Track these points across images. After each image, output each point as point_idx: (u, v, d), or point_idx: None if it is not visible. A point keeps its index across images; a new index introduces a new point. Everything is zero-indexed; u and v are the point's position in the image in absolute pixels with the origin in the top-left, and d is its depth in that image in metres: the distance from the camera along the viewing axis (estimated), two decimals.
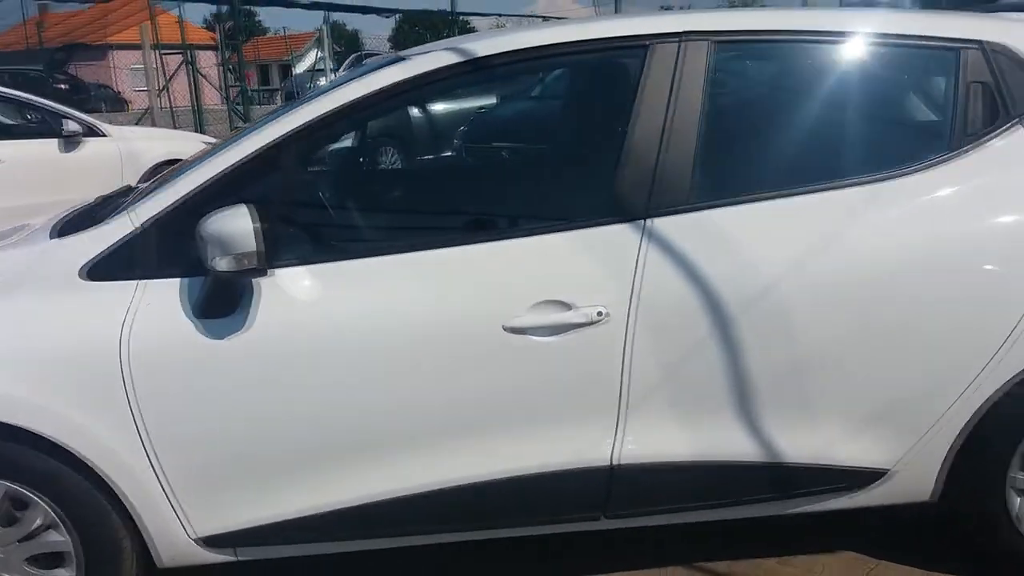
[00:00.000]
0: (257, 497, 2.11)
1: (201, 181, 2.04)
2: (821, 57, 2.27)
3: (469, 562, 2.51)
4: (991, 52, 2.19)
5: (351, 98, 2.07)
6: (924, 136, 2.23)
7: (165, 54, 17.53)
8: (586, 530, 2.26)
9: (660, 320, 2.07)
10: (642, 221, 2.08)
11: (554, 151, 2.98)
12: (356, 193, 2.56)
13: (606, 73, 2.39)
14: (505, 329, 2.02)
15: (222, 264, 1.86)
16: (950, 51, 2.20)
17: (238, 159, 2.04)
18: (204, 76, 17.51)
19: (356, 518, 2.12)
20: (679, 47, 2.14)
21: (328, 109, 2.06)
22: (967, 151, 2.15)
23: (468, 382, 2.07)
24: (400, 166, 2.62)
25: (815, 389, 2.15)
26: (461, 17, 26.29)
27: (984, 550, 2.34)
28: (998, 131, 2.15)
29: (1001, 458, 2.22)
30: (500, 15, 29.07)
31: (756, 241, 2.09)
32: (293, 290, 2.02)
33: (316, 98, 2.12)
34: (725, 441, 2.16)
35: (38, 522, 2.05)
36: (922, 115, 2.36)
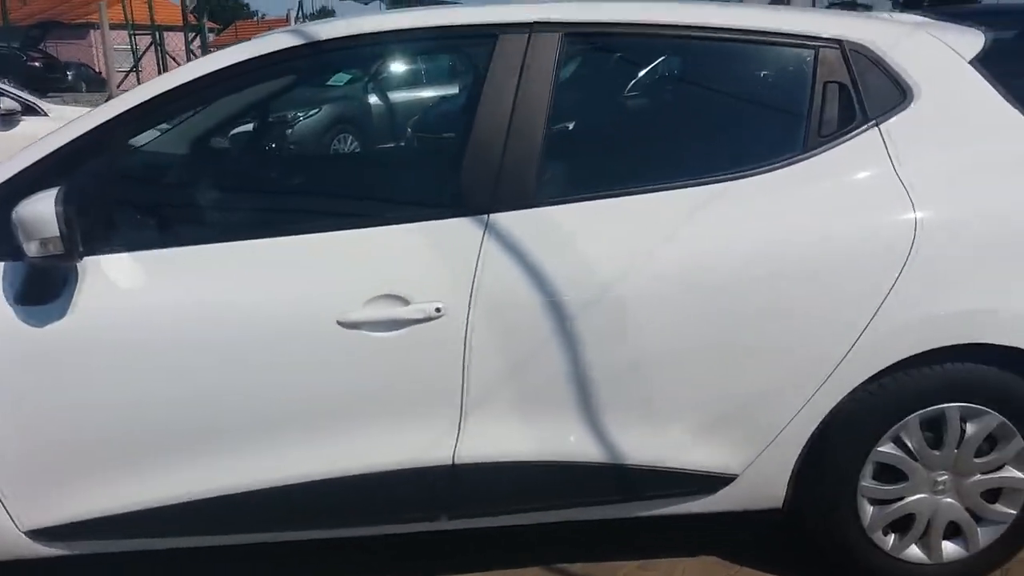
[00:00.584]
0: (82, 491, 2.05)
1: (24, 164, 1.97)
2: (677, 53, 2.23)
3: (321, 562, 2.47)
4: (850, 51, 2.14)
5: (183, 80, 2.01)
6: (778, 136, 2.17)
7: (138, 34, 17.30)
8: (436, 530, 2.22)
9: (500, 317, 2.02)
10: (485, 216, 2.03)
11: (400, 142, 2.93)
12: (188, 178, 2.50)
13: (452, 64, 2.35)
14: (339, 324, 1.97)
15: (31, 249, 1.80)
16: (808, 49, 2.15)
17: (64, 141, 1.97)
18: (173, 57, 17.32)
19: (184, 515, 2.06)
20: (528, 39, 2.08)
21: (158, 91, 2.00)
22: (818, 152, 2.10)
23: (299, 378, 2.01)
24: (238, 151, 2.56)
25: (658, 391, 2.11)
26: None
27: (836, 561, 2.32)
28: (852, 133, 2.11)
29: (851, 466, 2.19)
30: None
31: (598, 240, 2.05)
32: (116, 277, 1.96)
33: (151, 81, 2.06)
34: (569, 441, 2.12)
35: None
36: (778, 114, 2.31)
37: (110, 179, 2.07)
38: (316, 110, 3.78)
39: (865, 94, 2.13)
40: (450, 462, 2.09)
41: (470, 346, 2.02)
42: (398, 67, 3.26)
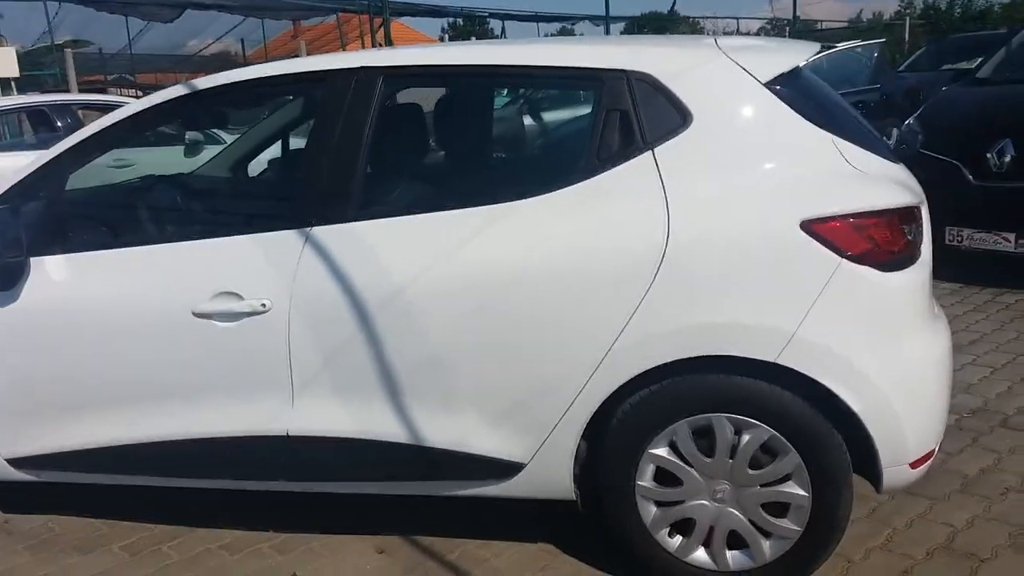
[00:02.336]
0: (38, 433, 2.74)
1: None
2: (479, 89, 2.51)
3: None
4: (634, 80, 2.32)
5: (94, 131, 2.65)
6: (566, 161, 2.40)
7: None
8: (284, 491, 2.68)
9: (313, 313, 2.44)
10: (307, 229, 2.46)
11: (255, 169, 3.39)
12: (98, 202, 3.13)
13: (297, 103, 2.78)
14: (194, 314, 2.50)
15: None
16: (594, 80, 2.36)
17: (23, 173, 2.68)
18: None
19: (103, 457, 2.69)
20: (353, 81, 2.49)
21: (80, 139, 2.66)
22: (596, 175, 2.30)
23: (170, 356, 2.56)
24: (137, 182, 3.18)
25: (448, 382, 2.41)
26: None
27: (627, 557, 2.47)
28: (628, 158, 2.29)
29: (626, 466, 2.35)
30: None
31: (393, 251, 2.40)
32: (51, 273, 2.62)
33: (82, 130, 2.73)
34: (379, 422, 2.48)
35: None
36: (568, 142, 2.51)
37: (54, 201, 2.76)
38: (198, 146, 4.39)
39: (645, 120, 2.30)
40: (285, 434, 2.54)
41: (291, 336, 2.46)
42: (258, 108, 3.75)
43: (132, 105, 2.68)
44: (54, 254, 2.64)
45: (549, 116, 2.50)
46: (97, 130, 2.66)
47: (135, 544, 2.86)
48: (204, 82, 2.65)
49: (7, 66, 9.31)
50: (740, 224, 2.20)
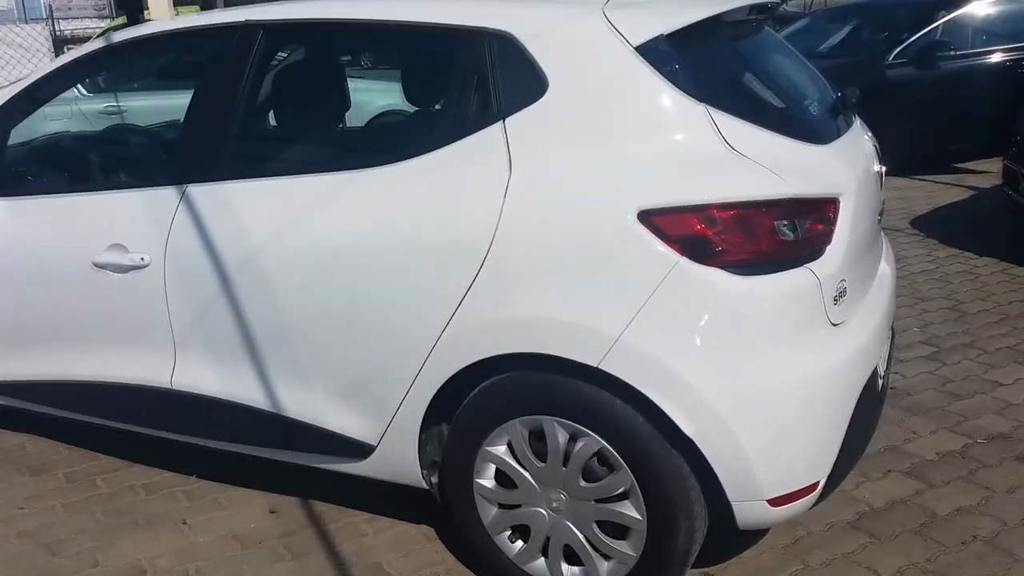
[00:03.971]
0: (19, 356, 2.94)
1: None
2: (341, 47, 2.34)
3: None
4: (494, 40, 2.08)
5: (18, 90, 2.75)
6: (419, 130, 2.19)
7: None
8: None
9: (184, 271, 2.44)
10: (183, 186, 2.45)
11: (154, 126, 3.30)
12: (25, 153, 3.17)
13: (191, 62, 2.71)
14: (93, 264, 2.57)
15: None
16: (456, 39, 2.14)
17: None
18: None
19: (24, 389, 2.88)
20: (235, 36, 2.41)
21: (8, 97, 2.77)
22: (445, 147, 2.10)
23: (79, 303, 2.66)
24: (58, 135, 3.23)
25: (298, 352, 2.34)
26: None
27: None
28: (480, 128, 2.07)
29: (464, 462, 2.19)
30: None
31: (252, 215, 2.33)
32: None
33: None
34: (241, 386, 2.46)
35: None
36: (427, 107, 2.27)
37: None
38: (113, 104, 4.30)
39: (502, 86, 2.06)
40: (168, 386, 2.58)
41: (168, 292, 2.48)
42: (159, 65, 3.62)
43: (51, 64, 2.76)
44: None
45: (417, 78, 2.29)
46: (21, 89, 2.77)
47: (77, 472, 3.05)
48: (117, 36, 2.68)
49: (159, 8, 10.05)
50: (573, 210, 1.94)
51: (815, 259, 1.96)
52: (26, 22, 19.87)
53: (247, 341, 2.41)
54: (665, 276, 1.86)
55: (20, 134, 2.87)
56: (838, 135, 2.26)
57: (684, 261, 1.85)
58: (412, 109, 2.37)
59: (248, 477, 2.90)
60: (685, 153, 1.94)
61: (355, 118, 2.43)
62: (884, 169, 2.66)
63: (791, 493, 1.96)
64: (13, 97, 2.77)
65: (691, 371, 1.87)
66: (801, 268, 1.92)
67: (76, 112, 3.83)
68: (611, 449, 1.98)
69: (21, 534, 2.69)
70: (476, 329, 2.04)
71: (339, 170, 2.22)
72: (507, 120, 2.04)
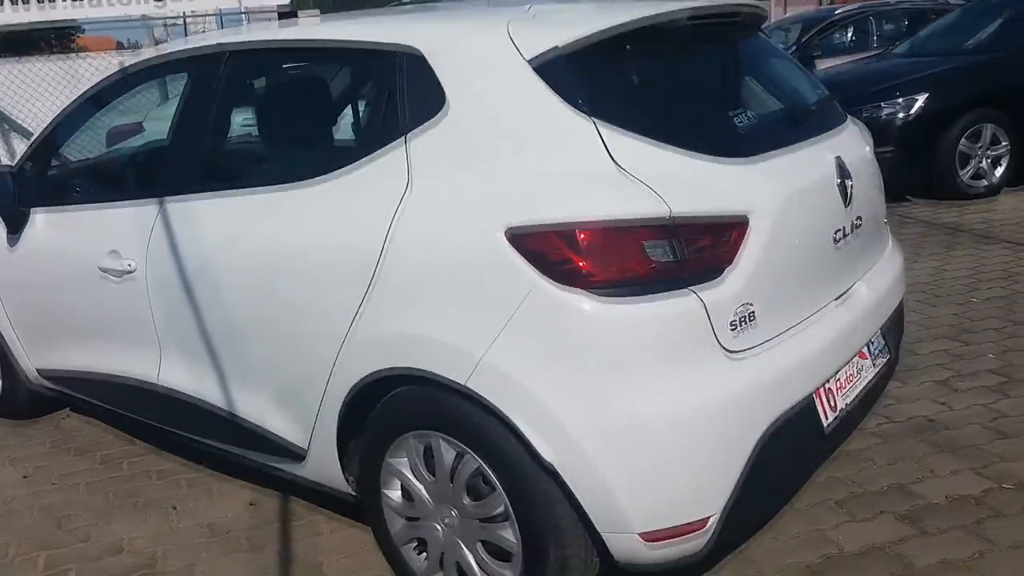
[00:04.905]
0: (44, 351, 3.33)
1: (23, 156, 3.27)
2: (278, 68, 2.44)
3: None
4: (404, 57, 2.09)
5: (68, 111, 3.06)
6: (342, 146, 2.23)
7: None
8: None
9: (159, 277, 2.63)
10: (163, 199, 2.63)
11: (145, 146, 3.42)
12: (64, 167, 3.43)
13: (180, 84, 2.86)
14: (99, 268, 2.83)
15: None
16: (374, 57, 2.17)
17: (37, 137, 3.21)
18: None
19: (61, 378, 3.20)
20: (208, 60, 2.56)
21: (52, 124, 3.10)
22: (359, 163, 2.14)
23: (92, 304, 2.94)
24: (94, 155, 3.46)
25: (245, 356, 2.46)
26: None
27: None
28: (386, 147, 2.08)
29: (371, 471, 2.21)
30: None
31: (204, 227, 2.49)
32: (36, 222, 3.13)
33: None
34: (206, 386, 2.61)
35: None
36: (345, 125, 2.28)
37: (44, 168, 3.24)
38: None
39: (410, 103, 2.07)
40: (156, 382, 2.79)
41: (150, 297, 2.68)
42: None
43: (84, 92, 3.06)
44: (40, 208, 3.14)
45: (340, 97, 2.36)
46: (61, 114, 3.09)
47: (111, 455, 3.36)
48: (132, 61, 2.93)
49: None
50: (452, 229, 1.92)
51: (706, 282, 1.81)
52: None
53: (207, 344, 2.56)
54: (525, 297, 1.79)
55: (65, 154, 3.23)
56: (774, 149, 2.06)
57: (545, 282, 1.77)
58: (336, 127, 2.45)
59: (245, 471, 3.06)
60: (567, 170, 1.86)
61: (297, 132, 2.54)
62: (870, 180, 2.41)
63: (669, 529, 1.82)
64: (44, 130, 3.12)
65: (550, 396, 1.79)
66: (682, 292, 1.78)
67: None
68: (488, 470, 1.93)
69: (43, 507, 3.00)
70: (369, 342, 2.07)
71: (269, 186, 2.33)
72: (409, 137, 2.04)
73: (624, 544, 1.84)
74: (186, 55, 2.69)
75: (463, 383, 1.87)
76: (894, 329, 2.55)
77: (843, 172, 2.20)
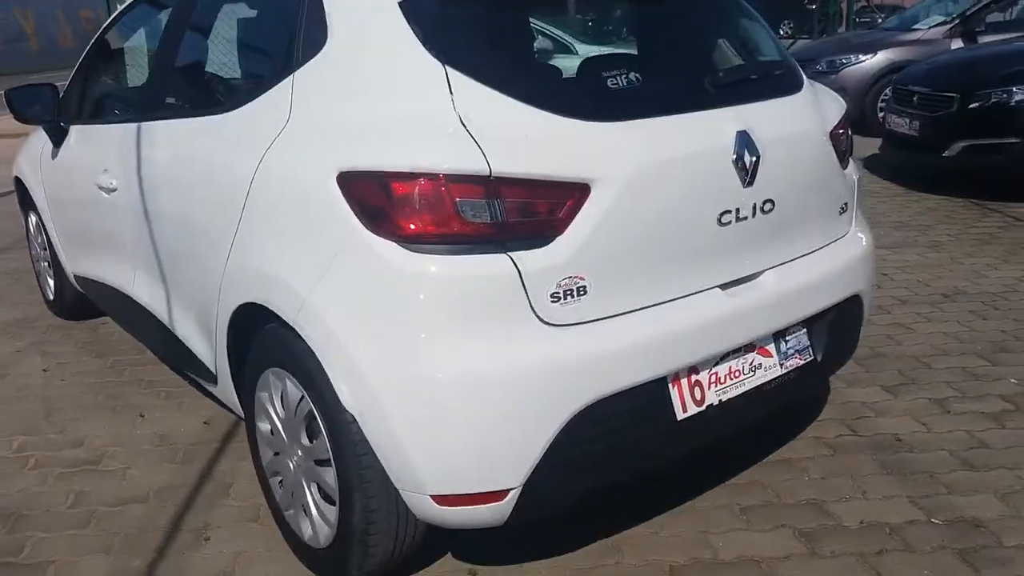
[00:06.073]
0: (75, 258, 3.67)
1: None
2: (216, 4, 2.54)
3: None
4: None
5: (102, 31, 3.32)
6: (250, 78, 2.32)
7: None
8: None
9: (129, 197, 2.82)
10: (138, 123, 2.82)
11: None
12: (98, 88, 3.62)
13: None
14: (97, 186, 3.09)
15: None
16: None
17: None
18: None
19: (85, 284, 3.54)
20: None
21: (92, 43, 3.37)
22: (260, 95, 2.19)
23: (94, 217, 3.22)
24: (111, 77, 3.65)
25: (177, 277, 2.64)
26: None
27: None
28: (280, 80, 2.12)
29: (249, 403, 2.31)
30: None
31: (151, 150, 2.68)
32: (70, 138, 3.44)
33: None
34: (159, 304, 2.81)
35: None
36: (257, 55, 2.37)
37: (83, 87, 3.52)
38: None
39: (303, 39, 2.10)
40: (131, 295, 3.02)
41: (125, 214, 2.89)
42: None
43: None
44: (73, 123, 3.45)
45: (263, 29, 2.45)
46: (101, 33, 3.36)
47: (122, 362, 3.67)
48: None
49: None
50: (301, 167, 1.96)
51: (527, 248, 1.74)
52: None
53: (158, 263, 2.75)
54: (344, 241, 1.80)
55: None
56: (648, 115, 1.92)
57: (361, 229, 1.77)
58: (248, 59, 2.54)
59: None
60: (408, 115, 1.83)
61: (212, 67, 2.68)
62: (802, 160, 2.20)
63: (462, 496, 1.80)
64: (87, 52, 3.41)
65: (355, 344, 1.80)
66: (494, 254, 1.73)
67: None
68: (316, 411, 1.97)
69: (44, 399, 3.35)
70: (238, 273, 2.16)
71: (196, 114, 2.49)
72: (296, 71, 2.08)
73: (418, 503, 1.84)
74: None
75: (292, 321, 1.92)
76: (832, 330, 2.33)
77: (746, 148, 2.01)
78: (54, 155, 3.54)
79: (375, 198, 1.76)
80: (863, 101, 8.24)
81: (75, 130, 3.41)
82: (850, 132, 2.47)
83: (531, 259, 1.74)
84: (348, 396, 1.82)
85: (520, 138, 1.78)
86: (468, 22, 1.92)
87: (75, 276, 3.73)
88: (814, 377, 2.34)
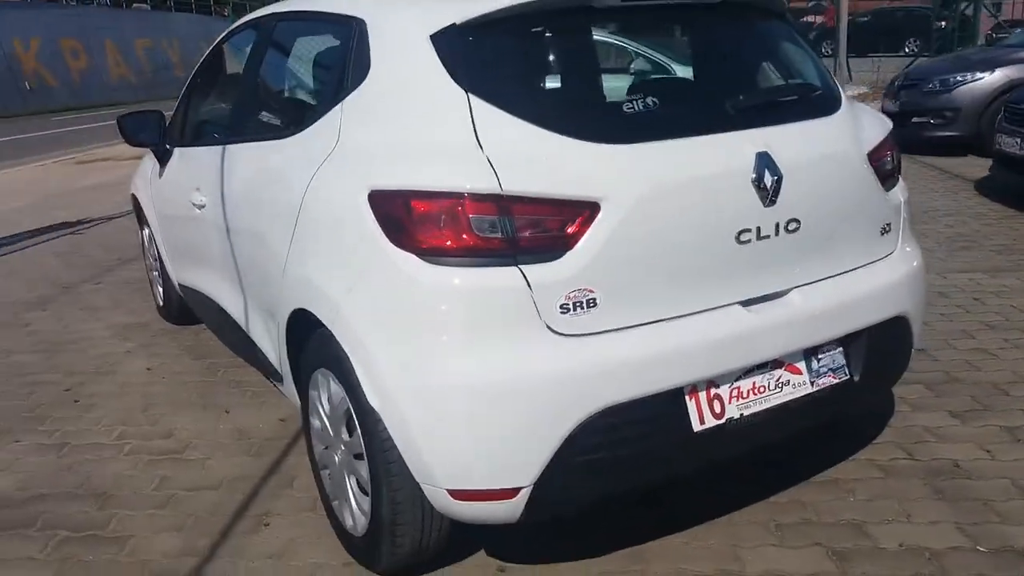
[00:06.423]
0: (182, 268, 4.02)
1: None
2: (277, 35, 2.77)
3: None
4: (355, 25, 2.33)
5: (199, 66, 3.65)
6: (310, 106, 2.53)
7: None
8: None
9: (215, 214, 3.10)
10: (223, 146, 3.10)
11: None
12: (199, 115, 3.88)
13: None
14: (191, 203, 3.39)
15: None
16: (337, 26, 2.46)
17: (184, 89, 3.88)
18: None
19: (201, 299, 3.87)
20: (252, 28, 2.99)
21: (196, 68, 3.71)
22: (317, 121, 2.40)
23: (189, 230, 3.53)
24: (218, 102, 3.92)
25: (250, 286, 2.86)
26: None
27: None
28: (333, 107, 2.32)
29: (304, 402, 2.48)
30: None
31: (232, 170, 2.93)
32: (173, 159, 3.80)
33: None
34: (239, 311, 3.06)
35: None
36: (316, 86, 2.56)
37: (179, 112, 3.87)
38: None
39: (352, 69, 2.30)
40: (221, 306, 3.30)
41: (213, 229, 3.17)
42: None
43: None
44: (175, 146, 3.80)
45: (315, 60, 2.69)
46: (197, 66, 3.69)
47: (218, 363, 3.98)
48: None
49: None
50: (338, 184, 2.16)
51: (538, 262, 1.85)
52: None
53: (238, 274, 3.00)
54: (371, 253, 1.96)
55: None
56: (664, 137, 1.99)
57: (385, 242, 1.93)
58: (310, 88, 2.76)
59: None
60: (434, 138, 1.99)
61: (284, 94, 2.92)
62: (830, 181, 2.21)
63: (475, 492, 1.91)
64: (187, 83, 3.76)
65: (378, 348, 1.95)
66: (506, 267, 1.84)
67: None
68: (352, 410, 2.12)
69: (144, 394, 3.67)
70: (291, 281, 2.35)
71: (268, 138, 2.72)
72: (346, 99, 2.27)
73: (435, 497, 1.96)
74: (252, 20, 3.16)
75: (330, 325, 2.09)
76: (873, 351, 2.31)
77: (767, 168, 2.05)
78: (160, 175, 3.90)
79: (398, 214, 1.92)
80: (979, 121, 7.86)
81: (176, 152, 3.75)
82: (897, 152, 2.44)
83: (541, 272, 1.84)
84: (373, 396, 1.97)
85: (533, 159, 1.89)
86: (491, 52, 2.05)
87: (178, 284, 4.08)
88: (851, 397, 2.32)
